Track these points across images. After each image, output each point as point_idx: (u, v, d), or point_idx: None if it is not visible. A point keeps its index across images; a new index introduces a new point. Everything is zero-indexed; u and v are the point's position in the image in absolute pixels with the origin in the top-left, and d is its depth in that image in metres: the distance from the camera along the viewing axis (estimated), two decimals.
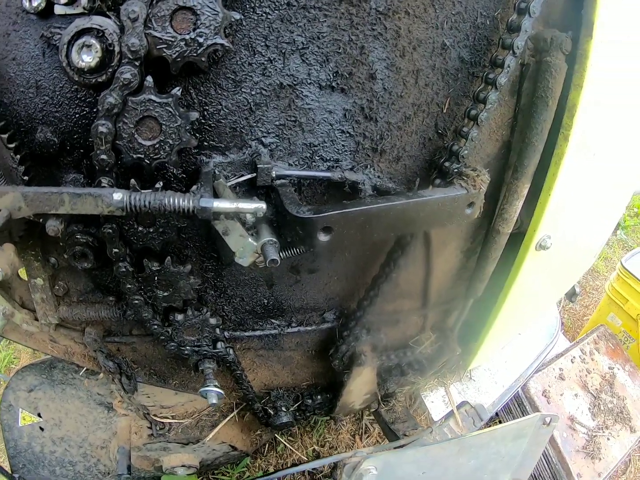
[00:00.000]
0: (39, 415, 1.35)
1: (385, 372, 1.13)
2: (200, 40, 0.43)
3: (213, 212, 0.46)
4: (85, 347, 0.94)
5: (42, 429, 1.37)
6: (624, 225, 4.08)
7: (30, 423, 1.37)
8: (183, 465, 1.27)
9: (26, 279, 0.81)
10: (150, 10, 0.42)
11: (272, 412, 1.06)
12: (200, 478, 1.70)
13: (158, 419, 1.27)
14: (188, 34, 0.43)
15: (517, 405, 1.86)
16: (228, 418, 1.21)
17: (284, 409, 1.04)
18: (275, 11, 0.50)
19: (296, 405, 1.07)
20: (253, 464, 1.74)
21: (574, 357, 1.98)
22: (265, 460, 1.78)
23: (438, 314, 1.10)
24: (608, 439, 1.81)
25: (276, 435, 1.61)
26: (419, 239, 0.78)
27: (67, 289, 0.78)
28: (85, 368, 1.12)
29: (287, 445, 1.76)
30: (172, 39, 0.43)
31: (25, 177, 0.55)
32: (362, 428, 1.85)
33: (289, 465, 1.72)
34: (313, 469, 1.59)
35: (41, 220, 0.55)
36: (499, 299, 1.03)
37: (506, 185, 0.81)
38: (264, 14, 0.49)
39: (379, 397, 1.20)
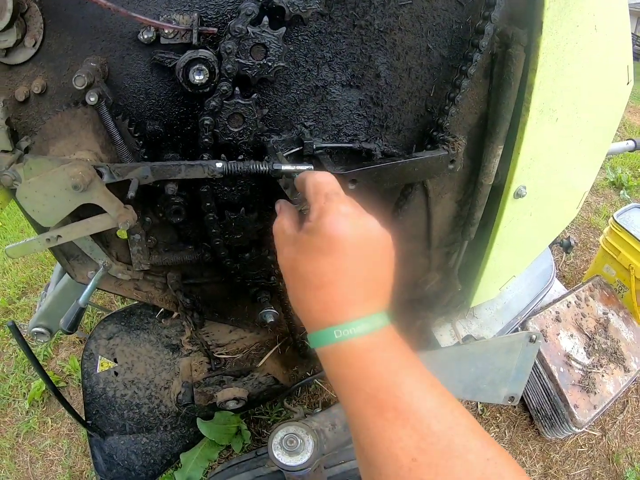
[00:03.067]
0: (115, 360, 1.46)
1: (399, 307, 1.38)
2: (270, 64, 0.70)
3: (280, 172, 0.73)
4: (163, 292, 1.21)
5: (116, 373, 1.48)
6: (628, 185, 4.14)
7: (107, 369, 1.47)
8: (234, 399, 1.44)
9: (121, 238, 1.07)
10: (237, 47, 0.69)
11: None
12: (244, 419, 1.95)
13: (216, 356, 1.50)
14: (262, 60, 0.70)
15: None
16: (274, 348, 1.47)
17: None
18: (311, 37, 0.77)
19: None
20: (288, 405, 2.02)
21: (569, 302, 2.11)
22: (299, 400, 2.05)
23: (441, 256, 1.32)
24: (602, 375, 1.95)
25: (307, 373, 1.81)
26: (419, 190, 1.05)
27: (157, 242, 1.05)
28: (160, 310, 1.39)
29: (319, 383, 2.00)
30: (252, 64, 0.70)
31: (146, 157, 0.82)
32: None
33: (320, 404, 2.00)
34: None
35: (158, 185, 0.82)
36: (489, 240, 1.26)
37: (485, 147, 1.07)
38: (304, 40, 0.76)
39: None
